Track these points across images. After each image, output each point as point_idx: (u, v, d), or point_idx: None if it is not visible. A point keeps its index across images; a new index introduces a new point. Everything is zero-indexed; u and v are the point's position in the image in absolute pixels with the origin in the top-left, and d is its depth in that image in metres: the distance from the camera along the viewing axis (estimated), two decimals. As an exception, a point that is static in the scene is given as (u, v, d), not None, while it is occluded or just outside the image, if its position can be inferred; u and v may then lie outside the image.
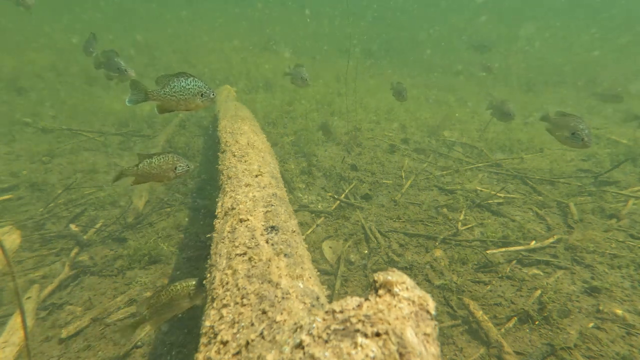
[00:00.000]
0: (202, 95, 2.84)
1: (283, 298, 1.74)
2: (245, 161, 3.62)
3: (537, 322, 3.34)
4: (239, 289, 1.87)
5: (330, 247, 4.38)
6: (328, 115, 8.75)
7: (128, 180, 2.98)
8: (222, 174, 3.56)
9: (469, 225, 4.76)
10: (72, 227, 4.47)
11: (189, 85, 2.82)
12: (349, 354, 0.94)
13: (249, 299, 1.77)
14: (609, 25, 22.18)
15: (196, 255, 4.18)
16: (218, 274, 2.11)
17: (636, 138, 7.24)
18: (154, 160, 2.88)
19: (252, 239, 2.35)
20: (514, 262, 4.10)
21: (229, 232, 2.51)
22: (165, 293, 2.40)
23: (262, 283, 1.89)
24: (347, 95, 8.94)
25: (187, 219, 4.83)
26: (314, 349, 1.00)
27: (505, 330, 3.29)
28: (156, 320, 2.43)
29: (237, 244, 2.32)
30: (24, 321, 2.40)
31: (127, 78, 4.13)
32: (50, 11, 17.54)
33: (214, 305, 1.85)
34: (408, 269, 4.03)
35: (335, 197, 5.42)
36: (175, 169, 2.93)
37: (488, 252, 4.24)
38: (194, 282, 2.45)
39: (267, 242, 2.32)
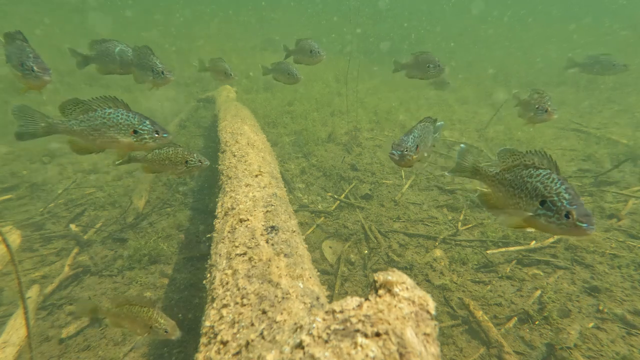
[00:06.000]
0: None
1: (283, 298, 1.74)
2: (245, 161, 3.62)
3: (537, 322, 3.34)
4: (239, 289, 1.87)
5: (330, 247, 4.38)
6: (328, 115, 8.75)
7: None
8: (222, 174, 3.57)
9: (469, 225, 4.76)
10: (72, 227, 4.47)
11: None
12: (349, 354, 0.94)
13: (249, 299, 1.77)
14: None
15: (196, 256, 4.18)
16: (218, 274, 2.11)
17: (636, 138, 7.24)
18: (162, 151, 2.81)
19: (252, 239, 2.35)
20: (514, 262, 4.10)
21: (229, 232, 2.51)
22: (127, 311, 2.27)
23: (262, 283, 1.89)
24: (347, 95, 8.94)
25: (187, 219, 4.83)
26: (314, 349, 1.00)
27: (505, 330, 3.29)
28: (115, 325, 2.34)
29: (237, 244, 2.32)
30: (27, 320, 2.40)
31: (164, 82, 3.42)
32: (51, 11, 17.54)
33: (214, 305, 1.85)
34: (408, 269, 4.03)
35: (335, 197, 5.42)
36: (187, 162, 2.86)
37: (488, 252, 4.24)
38: (160, 321, 2.27)
39: (267, 242, 2.32)
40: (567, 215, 1.69)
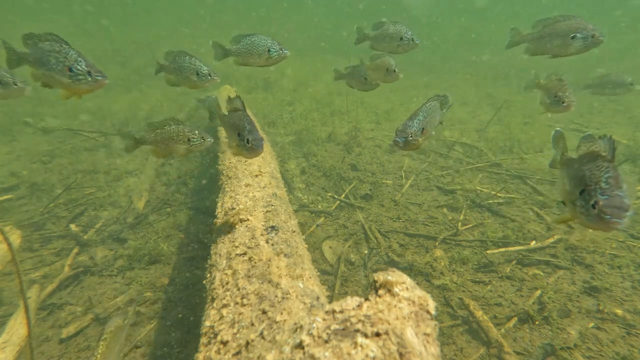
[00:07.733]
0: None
1: (283, 298, 1.74)
2: (245, 161, 3.62)
3: (537, 322, 3.34)
4: (239, 289, 1.87)
5: (330, 247, 4.38)
6: (328, 115, 8.75)
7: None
8: (222, 174, 3.57)
9: (469, 225, 4.76)
10: (72, 227, 4.47)
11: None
12: (349, 354, 0.94)
13: (249, 299, 1.77)
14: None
15: (196, 255, 4.18)
16: (218, 274, 2.11)
17: (636, 138, 7.24)
18: (165, 130, 2.77)
19: (252, 239, 2.35)
20: (514, 262, 4.10)
21: (229, 232, 2.50)
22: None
23: (262, 283, 1.89)
24: (347, 95, 8.94)
25: (187, 219, 4.83)
26: (314, 349, 1.00)
27: (505, 330, 3.29)
28: None
29: (237, 244, 2.32)
30: (28, 320, 2.40)
31: (210, 84, 3.20)
32: (50, 8, 17.55)
33: (214, 305, 1.85)
34: (408, 269, 4.03)
35: (335, 197, 5.42)
36: (189, 140, 2.78)
37: (488, 252, 4.24)
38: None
39: (267, 242, 2.32)
40: (594, 205, 1.48)
